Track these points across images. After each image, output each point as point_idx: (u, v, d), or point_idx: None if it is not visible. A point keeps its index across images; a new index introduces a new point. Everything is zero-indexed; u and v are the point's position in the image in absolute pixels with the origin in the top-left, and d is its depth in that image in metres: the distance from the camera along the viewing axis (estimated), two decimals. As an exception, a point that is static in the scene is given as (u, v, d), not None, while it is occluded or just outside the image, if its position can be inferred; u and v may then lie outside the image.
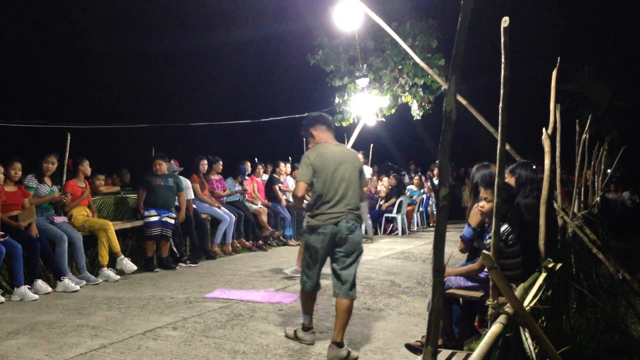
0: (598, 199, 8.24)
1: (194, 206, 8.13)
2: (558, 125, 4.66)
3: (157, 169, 7.35)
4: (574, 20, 18.41)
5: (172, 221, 7.20)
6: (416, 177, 14.06)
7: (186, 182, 8.10)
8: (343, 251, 3.93)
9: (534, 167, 4.38)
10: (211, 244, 8.32)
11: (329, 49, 12.84)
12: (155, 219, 7.07)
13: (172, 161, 7.69)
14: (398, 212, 11.83)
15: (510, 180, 4.23)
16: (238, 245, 8.80)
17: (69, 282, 5.73)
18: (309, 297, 4.11)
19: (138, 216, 7.33)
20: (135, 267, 6.66)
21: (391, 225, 12.00)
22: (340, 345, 3.76)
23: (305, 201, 4.25)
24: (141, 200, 7.30)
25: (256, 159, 10.95)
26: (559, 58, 4.50)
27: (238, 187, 9.33)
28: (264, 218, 9.44)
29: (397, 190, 12.47)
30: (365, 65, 12.59)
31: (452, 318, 3.88)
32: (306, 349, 3.95)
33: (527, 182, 4.19)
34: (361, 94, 12.81)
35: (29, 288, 5.39)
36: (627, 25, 17.78)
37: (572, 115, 8.87)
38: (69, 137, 7.02)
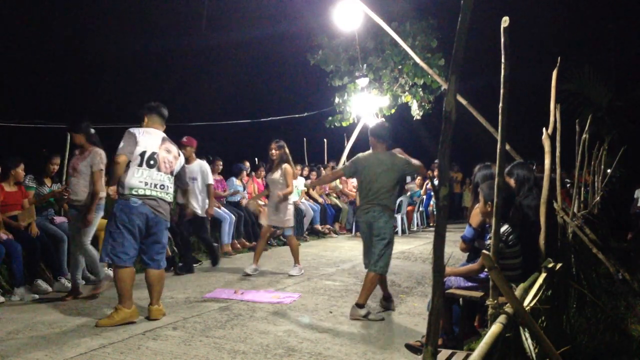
0: (598, 198, 8.23)
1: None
2: (558, 125, 4.67)
3: None
4: (574, 20, 18.42)
5: None
6: (419, 178, 14.01)
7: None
8: None
9: (533, 167, 4.39)
10: (220, 246, 8.31)
11: (329, 49, 12.89)
12: None
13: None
14: (398, 212, 11.83)
15: (509, 181, 4.24)
16: (238, 245, 8.79)
17: (68, 282, 5.72)
18: None
19: None
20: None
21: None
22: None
23: None
24: None
25: (256, 160, 10.94)
26: (559, 58, 4.50)
27: (241, 187, 9.37)
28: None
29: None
30: (365, 65, 12.61)
31: (452, 318, 3.88)
32: (306, 348, 3.94)
33: (525, 181, 4.21)
34: (361, 94, 12.86)
35: (29, 288, 5.39)
36: (627, 25, 17.78)
37: (572, 115, 8.86)
38: (69, 137, 7.01)
